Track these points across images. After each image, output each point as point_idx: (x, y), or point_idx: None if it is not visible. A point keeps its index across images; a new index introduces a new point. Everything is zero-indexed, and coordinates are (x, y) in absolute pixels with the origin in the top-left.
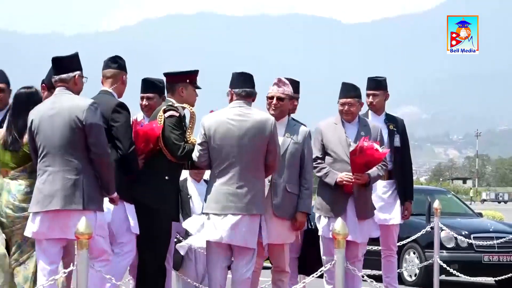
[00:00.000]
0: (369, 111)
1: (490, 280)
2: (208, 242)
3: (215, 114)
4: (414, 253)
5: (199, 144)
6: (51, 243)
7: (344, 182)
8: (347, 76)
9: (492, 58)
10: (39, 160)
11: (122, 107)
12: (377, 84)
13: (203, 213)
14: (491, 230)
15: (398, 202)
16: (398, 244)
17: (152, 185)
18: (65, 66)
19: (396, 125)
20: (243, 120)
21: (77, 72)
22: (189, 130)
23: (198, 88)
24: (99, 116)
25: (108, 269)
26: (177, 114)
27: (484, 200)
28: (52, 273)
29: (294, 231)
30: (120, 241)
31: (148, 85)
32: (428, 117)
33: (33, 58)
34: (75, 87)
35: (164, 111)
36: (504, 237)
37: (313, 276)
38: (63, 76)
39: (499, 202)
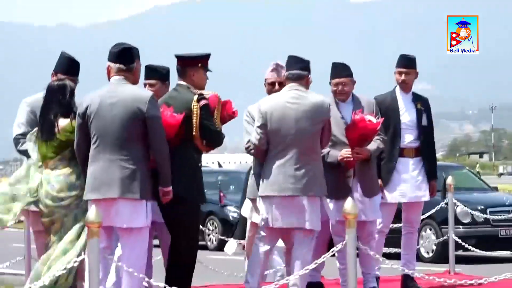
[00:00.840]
0: (397, 89)
1: (507, 254)
2: (260, 223)
3: (271, 97)
4: (430, 229)
5: (258, 127)
6: (106, 229)
7: (345, 159)
8: (354, 55)
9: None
10: (93, 146)
11: (154, 96)
12: (410, 62)
13: (260, 196)
14: (507, 204)
15: (426, 179)
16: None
17: (186, 174)
18: (129, 56)
19: (423, 104)
20: (299, 103)
21: (136, 64)
22: (215, 115)
23: (209, 71)
24: (158, 108)
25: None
26: (207, 102)
27: (501, 174)
28: (104, 258)
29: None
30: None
31: (151, 71)
32: (441, 93)
33: (42, 51)
34: (133, 78)
35: (198, 100)
36: None
37: (324, 257)
38: (129, 66)
39: None
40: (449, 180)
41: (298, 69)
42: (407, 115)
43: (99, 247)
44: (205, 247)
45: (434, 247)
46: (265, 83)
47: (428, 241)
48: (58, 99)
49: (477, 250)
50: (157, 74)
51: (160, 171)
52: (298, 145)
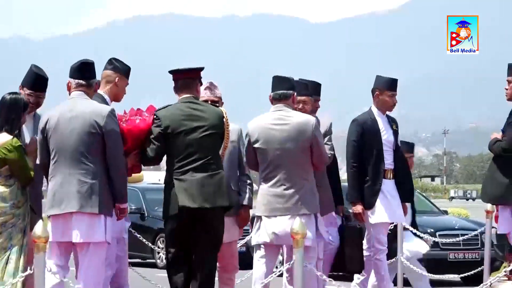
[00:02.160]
0: (374, 109)
1: (455, 277)
2: (258, 244)
3: (257, 119)
4: None
5: (246, 148)
6: (65, 245)
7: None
8: (316, 75)
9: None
10: (52, 161)
11: (113, 110)
12: (396, 84)
13: (254, 216)
14: (456, 227)
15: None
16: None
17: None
18: (91, 72)
19: (396, 125)
20: (284, 123)
21: (96, 79)
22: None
23: (201, 84)
24: (117, 123)
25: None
26: None
27: (452, 198)
28: (61, 274)
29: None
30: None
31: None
32: (395, 116)
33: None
34: (92, 94)
35: (225, 112)
36: (469, 234)
37: (271, 276)
38: (90, 81)
39: (467, 199)
40: None
41: (284, 89)
42: (386, 136)
43: (45, 262)
44: (154, 265)
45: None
46: None
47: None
48: (6, 114)
49: (427, 274)
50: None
51: (115, 187)
52: (286, 165)
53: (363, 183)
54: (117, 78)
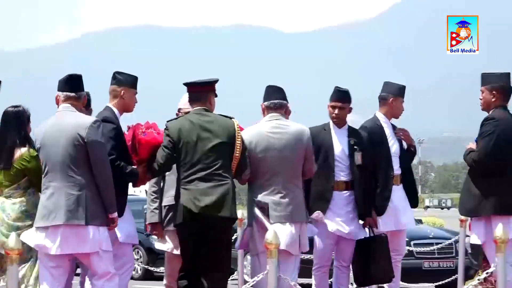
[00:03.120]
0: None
1: (430, 286)
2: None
3: (253, 128)
4: None
5: (248, 157)
6: (59, 258)
7: None
8: (290, 85)
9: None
10: (43, 175)
11: (97, 122)
12: (345, 95)
13: (250, 223)
14: (430, 236)
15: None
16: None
17: (235, 199)
18: (79, 85)
19: (359, 140)
20: (282, 132)
21: (85, 92)
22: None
23: (216, 96)
24: (101, 134)
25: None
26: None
27: (428, 207)
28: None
29: None
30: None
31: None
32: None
33: None
34: (80, 106)
35: (237, 123)
36: (444, 243)
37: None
38: (78, 93)
39: (442, 209)
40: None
41: (279, 99)
42: (392, 142)
43: (17, 274)
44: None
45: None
46: (178, 112)
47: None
48: (15, 127)
49: (401, 282)
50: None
51: (104, 197)
52: (283, 173)
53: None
54: (122, 91)
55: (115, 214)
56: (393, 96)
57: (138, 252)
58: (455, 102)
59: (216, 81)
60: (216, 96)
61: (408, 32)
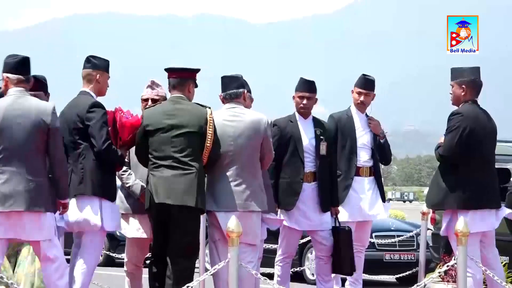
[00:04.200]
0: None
1: (391, 278)
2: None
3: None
4: None
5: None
6: (2, 242)
7: None
8: (257, 76)
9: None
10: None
11: (96, 106)
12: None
13: (207, 211)
14: (392, 228)
15: (379, 198)
16: (300, 242)
17: (204, 187)
18: (28, 68)
19: (324, 130)
20: (238, 120)
21: (41, 76)
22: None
23: (197, 86)
24: (58, 120)
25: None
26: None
27: (390, 199)
28: None
29: None
30: (89, 237)
31: (34, 82)
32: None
33: None
34: (28, 89)
35: (211, 113)
36: (405, 236)
37: (206, 274)
38: (27, 76)
39: (404, 202)
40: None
41: (233, 89)
42: (364, 135)
43: None
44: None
45: None
46: (141, 99)
47: (313, 262)
48: None
49: (362, 274)
50: (42, 85)
51: (60, 183)
52: (237, 162)
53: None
54: (98, 75)
55: (68, 200)
56: (355, 86)
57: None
58: (418, 95)
59: (197, 70)
60: (196, 86)
61: (381, 22)
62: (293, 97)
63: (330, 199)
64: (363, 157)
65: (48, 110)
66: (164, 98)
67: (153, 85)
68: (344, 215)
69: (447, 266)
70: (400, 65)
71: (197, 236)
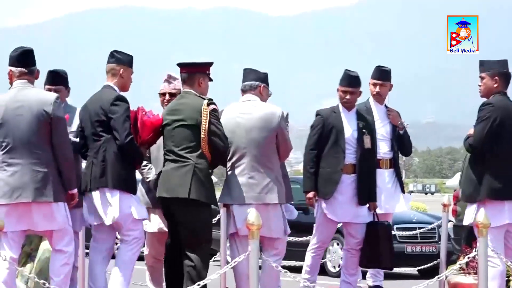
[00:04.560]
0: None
1: (412, 270)
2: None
3: (227, 109)
4: (337, 244)
5: None
6: (16, 234)
7: None
8: (273, 68)
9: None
10: (2, 152)
11: (120, 100)
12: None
13: (224, 204)
14: (413, 221)
15: (400, 190)
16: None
17: (205, 181)
18: (31, 59)
19: (367, 124)
20: (251, 113)
21: (36, 67)
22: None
23: (211, 80)
24: (62, 110)
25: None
26: (217, 108)
27: (411, 192)
28: (13, 262)
29: None
30: (126, 230)
31: (55, 77)
32: None
33: None
34: (33, 81)
35: (207, 104)
36: (426, 228)
37: (227, 267)
38: (30, 68)
39: (426, 194)
40: None
41: (250, 80)
42: (382, 126)
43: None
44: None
45: (341, 262)
46: (159, 94)
47: (335, 255)
48: None
49: None
50: (63, 79)
51: (63, 173)
52: (250, 154)
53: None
54: (121, 70)
55: (75, 190)
56: (371, 78)
57: None
58: (439, 88)
59: (206, 64)
60: (210, 80)
61: (398, 19)
62: (337, 90)
63: (368, 193)
64: (383, 149)
65: (50, 100)
66: (180, 91)
67: (170, 79)
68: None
69: (468, 258)
70: (419, 61)
71: (197, 228)
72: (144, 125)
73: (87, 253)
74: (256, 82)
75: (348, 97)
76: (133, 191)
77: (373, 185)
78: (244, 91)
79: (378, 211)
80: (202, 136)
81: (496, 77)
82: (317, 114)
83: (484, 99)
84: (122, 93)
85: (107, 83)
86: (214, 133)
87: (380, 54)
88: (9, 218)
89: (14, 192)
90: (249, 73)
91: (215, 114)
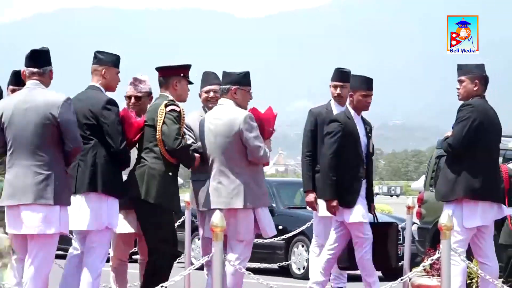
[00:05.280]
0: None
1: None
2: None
3: (206, 114)
4: (302, 246)
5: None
6: (19, 236)
7: None
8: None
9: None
10: (8, 153)
11: (111, 104)
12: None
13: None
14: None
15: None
16: (286, 236)
17: (156, 181)
18: (43, 60)
19: (370, 128)
20: (219, 118)
21: (51, 67)
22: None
23: (191, 83)
24: (73, 111)
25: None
26: (178, 109)
27: (377, 194)
28: (20, 264)
29: None
30: (94, 236)
31: (19, 77)
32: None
33: None
34: (48, 81)
35: (166, 105)
36: None
37: (190, 269)
38: (40, 69)
39: (391, 196)
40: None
41: (224, 84)
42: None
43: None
44: None
45: (306, 264)
46: (124, 97)
47: (300, 257)
48: None
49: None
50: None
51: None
52: (218, 160)
53: (315, 172)
54: (103, 70)
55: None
56: (331, 81)
57: None
58: (405, 90)
59: (179, 66)
60: (190, 83)
61: (362, 16)
62: (330, 86)
63: (371, 195)
64: None
65: (57, 103)
66: (149, 94)
67: (135, 81)
68: (325, 209)
69: (432, 260)
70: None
71: (148, 229)
72: (131, 126)
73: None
74: (227, 85)
75: (339, 91)
76: (122, 196)
77: (372, 187)
78: (220, 95)
79: (337, 218)
80: (157, 136)
81: (476, 80)
82: (334, 120)
83: (462, 102)
84: (108, 93)
85: (92, 84)
86: (163, 133)
87: (349, 54)
88: (11, 220)
89: (15, 194)
90: (224, 76)
91: (171, 115)
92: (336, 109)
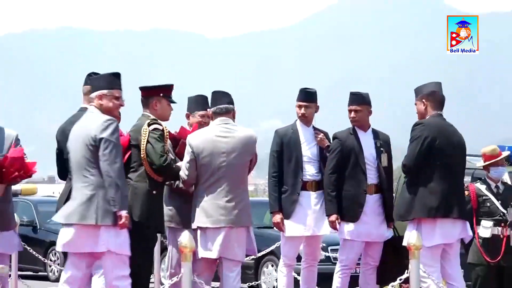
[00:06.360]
0: (299, 122)
1: None
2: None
3: (201, 132)
4: (272, 265)
5: (188, 163)
6: (76, 256)
7: None
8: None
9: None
10: (69, 174)
11: (109, 120)
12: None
13: (195, 228)
14: None
15: (324, 213)
16: (256, 256)
17: (140, 200)
18: (101, 83)
19: (384, 142)
20: (230, 136)
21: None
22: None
23: (173, 102)
24: (110, 131)
25: None
26: (161, 128)
27: None
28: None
29: None
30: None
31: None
32: None
33: None
34: (102, 104)
35: (149, 125)
36: None
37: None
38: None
39: None
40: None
41: (225, 103)
42: (308, 148)
43: None
44: (46, 278)
45: (275, 283)
46: None
47: (270, 277)
48: None
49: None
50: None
51: (107, 195)
52: (229, 177)
53: (282, 193)
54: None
55: (122, 212)
56: (296, 101)
57: (55, 253)
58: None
59: (158, 86)
60: (173, 102)
61: (330, 34)
62: (296, 106)
63: (390, 212)
64: (310, 171)
65: (98, 124)
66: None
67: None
68: (292, 230)
69: (400, 280)
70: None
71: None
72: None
73: (19, 276)
74: (231, 105)
75: (303, 111)
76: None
77: (391, 204)
78: (219, 113)
79: (305, 233)
80: (142, 155)
81: (423, 100)
82: (334, 138)
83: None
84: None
85: (83, 105)
86: (148, 152)
87: (317, 74)
88: (67, 239)
89: (69, 214)
90: (222, 96)
91: (154, 133)
92: (301, 129)
